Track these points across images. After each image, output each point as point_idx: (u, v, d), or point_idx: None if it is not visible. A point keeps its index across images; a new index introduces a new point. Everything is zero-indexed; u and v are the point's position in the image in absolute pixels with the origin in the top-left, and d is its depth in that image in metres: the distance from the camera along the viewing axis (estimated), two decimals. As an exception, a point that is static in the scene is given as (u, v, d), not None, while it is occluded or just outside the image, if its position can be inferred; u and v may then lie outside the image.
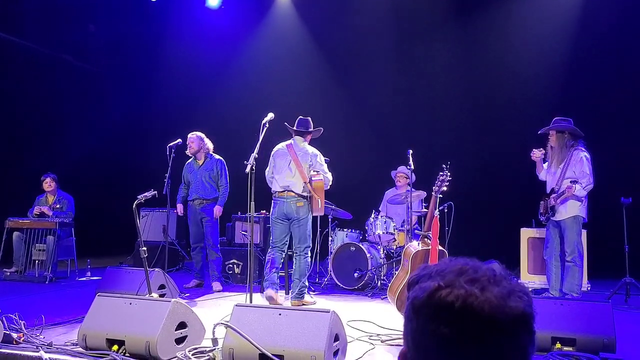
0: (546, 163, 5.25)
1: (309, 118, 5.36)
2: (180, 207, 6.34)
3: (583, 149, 4.97)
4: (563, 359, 3.16)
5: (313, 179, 5.00)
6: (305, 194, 5.07)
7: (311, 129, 5.30)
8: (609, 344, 3.18)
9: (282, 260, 5.30)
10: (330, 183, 5.20)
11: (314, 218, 5.43)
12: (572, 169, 4.91)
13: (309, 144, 5.30)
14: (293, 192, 5.05)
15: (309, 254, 5.21)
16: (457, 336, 0.70)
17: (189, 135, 6.25)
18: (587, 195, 4.97)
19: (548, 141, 5.16)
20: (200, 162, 6.24)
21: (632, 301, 5.39)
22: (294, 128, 5.26)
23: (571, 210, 4.90)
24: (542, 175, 5.32)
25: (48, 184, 7.03)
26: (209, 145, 6.29)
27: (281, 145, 5.31)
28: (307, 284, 5.21)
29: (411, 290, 0.80)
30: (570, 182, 4.82)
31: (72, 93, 9.31)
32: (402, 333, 3.30)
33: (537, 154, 5.18)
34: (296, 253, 5.18)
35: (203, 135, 6.27)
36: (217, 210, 6.11)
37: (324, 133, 5.45)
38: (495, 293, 0.71)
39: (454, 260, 0.79)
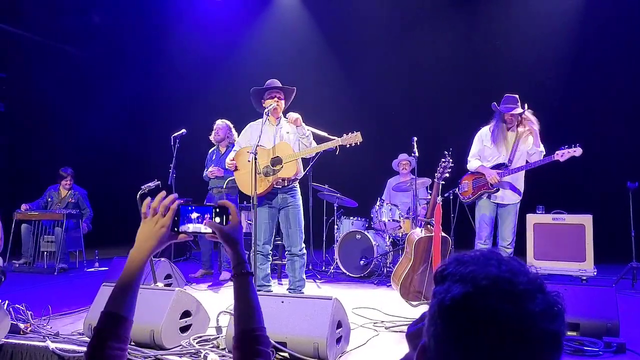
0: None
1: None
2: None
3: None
4: (566, 343, 3.16)
5: None
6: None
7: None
8: (613, 327, 3.17)
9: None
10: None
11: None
12: None
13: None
14: None
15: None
16: (482, 347, 0.67)
17: (218, 122, 6.16)
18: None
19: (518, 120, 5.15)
20: (222, 151, 6.16)
21: (638, 286, 5.37)
22: None
23: None
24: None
25: (65, 181, 7.12)
26: (235, 135, 6.11)
27: None
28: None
29: (438, 285, 0.75)
30: None
31: (76, 83, 9.31)
32: (406, 320, 3.27)
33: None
34: None
35: (231, 125, 6.18)
36: (217, 170, 5.92)
37: (328, 122, 5.41)
38: (529, 310, 0.69)
39: (490, 259, 0.74)
